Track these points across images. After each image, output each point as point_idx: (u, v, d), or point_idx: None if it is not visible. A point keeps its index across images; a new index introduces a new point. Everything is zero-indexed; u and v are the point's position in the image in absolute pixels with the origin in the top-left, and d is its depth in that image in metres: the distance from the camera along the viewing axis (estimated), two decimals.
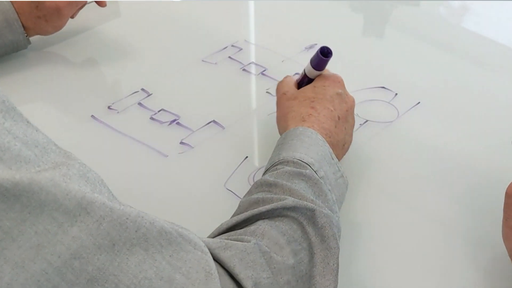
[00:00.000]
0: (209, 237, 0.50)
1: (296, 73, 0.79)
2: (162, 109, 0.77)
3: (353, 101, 0.65)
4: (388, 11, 1.05)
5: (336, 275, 0.47)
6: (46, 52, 0.89)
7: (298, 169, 0.53)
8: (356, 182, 0.65)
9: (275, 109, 0.76)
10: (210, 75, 0.85)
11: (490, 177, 0.67)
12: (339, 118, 0.62)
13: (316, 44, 0.90)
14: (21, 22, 0.81)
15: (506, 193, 0.52)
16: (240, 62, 0.87)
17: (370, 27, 1.00)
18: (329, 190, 0.54)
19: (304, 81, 0.67)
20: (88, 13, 0.94)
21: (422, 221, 0.61)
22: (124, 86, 0.82)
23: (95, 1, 0.89)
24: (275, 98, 0.78)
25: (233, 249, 0.44)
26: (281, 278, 0.45)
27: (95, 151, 0.71)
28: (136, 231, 0.38)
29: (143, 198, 0.64)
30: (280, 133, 0.63)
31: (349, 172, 0.63)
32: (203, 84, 0.83)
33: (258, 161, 0.69)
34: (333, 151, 0.59)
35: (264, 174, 0.57)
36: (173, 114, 0.76)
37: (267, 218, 0.49)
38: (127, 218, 0.38)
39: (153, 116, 0.76)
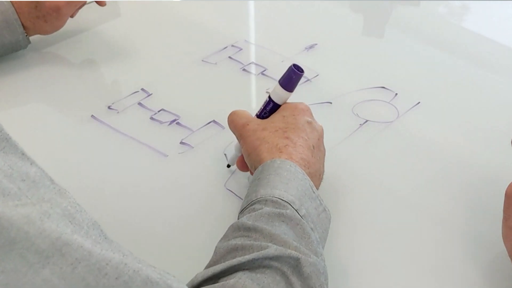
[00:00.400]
0: None
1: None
2: (162, 109, 0.77)
3: (322, 129, 0.61)
4: (388, 11, 1.05)
5: None
6: (46, 52, 0.89)
7: (278, 210, 0.49)
8: (355, 183, 0.65)
9: None
10: (210, 75, 0.85)
11: (490, 177, 0.67)
12: (313, 147, 0.58)
13: (316, 44, 0.91)
14: (21, 22, 0.81)
15: (506, 193, 0.52)
16: (240, 62, 0.87)
17: (370, 27, 1.00)
18: (312, 229, 0.50)
19: (267, 108, 0.61)
20: (88, 13, 0.94)
21: (422, 220, 0.61)
22: (124, 86, 0.82)
23: (95, 1, 0.89)
24: None
25: None
26: None
27: (95, 151, 0.71)
28: (116, 278, 0.34)
29: (143, 198, 0.64)
30: (252, 169, 0.58)
31: (349, 172, 0.63)
32: (203, 84, 0.83)
33: None
34: (313, 181, 0.55)
35: (240, 212, 0.53)
36: (173, 114, 0.76)
37: (247, 270, 0.45)
38: (107, 264, 0.34)
39: (153, 116, 0.76)
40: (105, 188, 0.65)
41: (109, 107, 0.77)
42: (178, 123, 0.74)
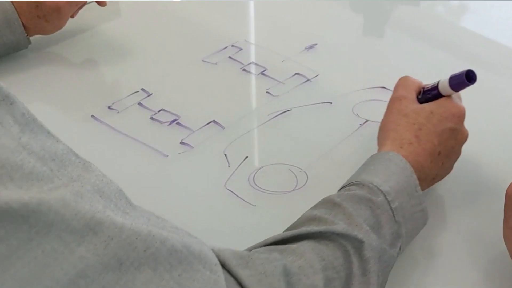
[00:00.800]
0: (253, 247, 0.49)
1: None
2: (162, 109, 0.77)
3: (466, 136, 0.62)
4: (388, 11, 1.05)
5: None
6: (46, 52, 0.89)
7: (369, 196, 0.52)
8: None
9: (275, 109, 0.76)
10: (210, 75, 0.85)
11: (490, 176, 0.67)
12: (439, 153, 0.59)
13: (316, 44, 0.90)
14: (22, 22, 0.81)
15: (506, 194, 0.52)
16: (240, 62, 0.87)
17: (370, 27, 1.00)
18: (398, 222, 0.52)
19: (432, 92, 0.62)
20: (88, 13, 0.94)
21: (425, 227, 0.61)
22: (124, 86, 0.82)
23: (95, 1, 0.89)
24: (275, 98, 0.79)
25: (253, 269, 0.44)
26: None
27: (95, 151, 0.71)
28: (145, 250, 0.38)
29: (143, 198, 0.64)
30: (377, 141, 0.62)
31: (349, 172, 0.63)
32: (203, 84, 0.83)
33: (258, 161, 0.69)
34: (420, 183, 0.56)
35: (339, 190, 0.56)
36: (173, 114, 0.76)
37: (313, 239, 0.49)
38: (136, 238, 0.37)
39: (153, 116, 0.76)
40: None
41: (109, 107, 0.77)
42: (178, 123, 0.74)
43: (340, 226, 0.49)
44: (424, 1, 1.09)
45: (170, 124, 0.74)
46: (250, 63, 0.87)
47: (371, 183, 0.53)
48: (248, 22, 1.03)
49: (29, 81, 0.83)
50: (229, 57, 0.88)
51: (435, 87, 0.62)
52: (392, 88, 0.80)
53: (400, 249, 0.53)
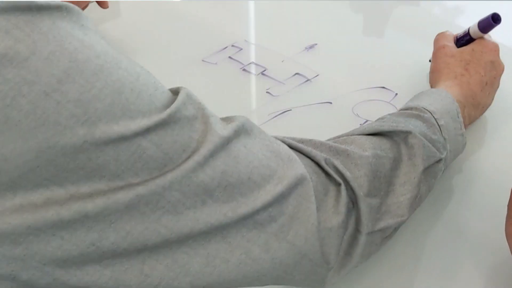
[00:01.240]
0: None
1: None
2: None
3: (503, 68, 0.72)
4: (388, 11, 1.05)
5: (416, 187, 0.52)
6: None
7: (418, 112, 0.58)
8: None
9: (275, 109, 0.76)
10: (210, 75, 0.85)
11: (491, 177, 0.67)
12: (486, 83, 0.69)
13: (316, 44, 0.90)
14: None
15: None
16: (240, 62, 0.87)
17: (370, 27, 1.00)
18: (445, 138, 0.58)
19: (465, 38, 0.73)
20: (88, 13, 0.94)
21: (422, 221, 0.61)
22: None
23: (97, 1, 0.89)
24: (275, 98, 0.79)
25: (308, 143, 0.50)
26: (356, 166, 0.49)
27: None
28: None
29: None
30: (430, 83, 0.72)
31: None
32: (203, 84, 0.83)
33: None
34: (472, 111, 0.67)
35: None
36: None
37: (366, 135, 0.54)
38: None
39: None
40: None
41: None
42: None
43: (387, 125, 0.54)
44: (424, 1, 1.09)
45: None
46: (250, 63, 0.87)
47: (418, 105, 0.60)
48: (248, 22, 1.03)
49: None
50: (229, 57, 0.88)
51: (467, 34, 0.73)
52: (392, 88, 0.80)
53: (444, 162, 0.57)
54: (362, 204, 0.48)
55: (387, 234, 0.51)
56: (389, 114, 0.60)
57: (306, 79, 0.83)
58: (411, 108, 0.60)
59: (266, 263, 0.42)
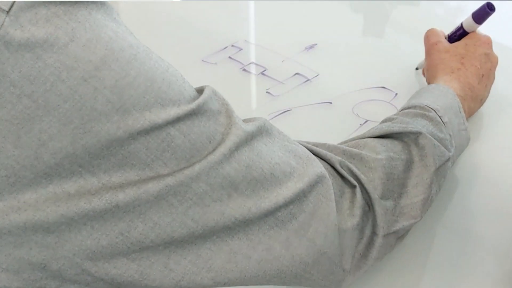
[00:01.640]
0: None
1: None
2: None
3: (497, 60, 0.73)
4: (388, 11, 1.05)
5: (428, 187, 0.52)
6: None
7: (422, 112, 0.58)
8: None
9: (275, 109, 0.76)
10: (210, 75, 0.85)
11: (490, 176, 0.67)
12: (483, 75, 0.69)
13: (316, 44, 0.90)
14: None
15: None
16: (240, 62, 0.87)
17: (370, 27, 1.00)
18: (450, 135, 0.58)
19: (457, 33, 0.74)
20: None
21: (427, 223, 0.61)
22: None
23: None
24: (275, 98, 0.79)
25: (322, 146, 0.50)
26: (370, 169, 0.49)
27: None
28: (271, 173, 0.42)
29: None
30: (427, 80, 0.72)
31: None
32: (203, 84, 0.82)
33: None
34: (472, 103, 0.68)
35: None
36: None
37: (377, 138, 0.54)
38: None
39: None
40: None
41: None
42: None
43: (396, 126, 0.54)
44: (424, 1, 1.09)
45: None
46: (250, 63, 0.87)
47: (422, 103, 0.60)
48: (248, 22, 1.03)
49: None
50: (229, 57, 0.88)
51: (460, 28, 0.74)
52: (392, 88, 0.80)
53: (452, 160, 0.57)
54: (377, 207, 0.48)
55: (401, 235, 0.52)
56: (395, 114, 0.60)
57: (306, 79, 0.83)
58: (414, 107, 0.60)
59: (286, 260, 0.42)
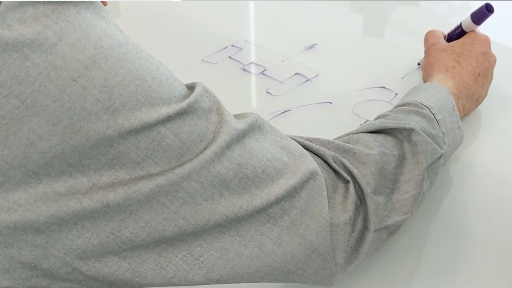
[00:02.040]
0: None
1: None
2: None
3: (495, 60, 0.73)
4: (388, 11, 1.05)
5: (420, 184, 0.52)
6: None
7: (416, 108, 0.59)
8: None
9: (275, 109, 0.76)
10: (210, 75, 0.85)
11: (490, 176, 0.67)
12: (479, 74, 0.69)
13: (316, 44, 0.90)
14: None
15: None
16: (240, 62, 0.87)
17: (370, 27, 1.00)
18: (443, 133, 0.59)
19: (456, 32, 0.75)
20: None
21: (419, 215, 0.61)
22: None
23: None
24: (275, 98, 0.79)
25: (316, 141, 0.50)
26: (362, 164, 0.49)
27: None
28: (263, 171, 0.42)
29: None
30: (423, 78, 0.73)
31: None
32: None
33: None
34: (467, 103, 0.68)
35: None
36: None
37: (370, 133, 0.54)
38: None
39: None
40: None
41: None
42: None
43: (390, 122, 0.55)
44: (424, 1, 1.09)
45: None
46: (250, 63, 0.87)
47: (416, 100, 0.60)
48: (248, 22, 1.03)
49: None
50: (229, 57, 0.88)
51: (459, 27, 0.74)
52: (392, 88, 0.80)
53: (444, 157, 0.57)
54: (369, 202, 0.48)
55: (392, 230, 0.52)
56: (389, 111, 0.60)
57: (306, 79, 0.83)
58: (408, 104, 0.60)
59: (278, 256, 0.43)
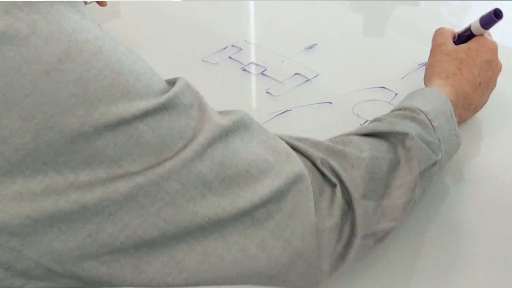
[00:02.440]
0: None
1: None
2: None
3: (501, 67, 0.71)
4: (388, 11, 1.05)
5: (412, 190, 0.51)
6: None
7: (412, 114, 0.57)
8: None
9: (275, 109, 0.76)
10: (210, 75, 0.85)
11: (490, 176, 0.67)
12: (479, 83, 0.67)
13: (316, 44, 0.90)
14: None
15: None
16: (240, 62, 0.87)
17: (370, 27, 1.00)
18: (439, 139, 0.57)
19: (465, 34, 0.72)
20: (88, 13, 0.94)
21: (418, 221, 0.61)
22: None
23: (96, 1, 0.89)
24: (275, 98, 0.79)
25: (306, 142, 0.49)
26: (352, 167, 0.48)
27: None
28: (246, 171, 0.41)
29: None
30: (424, 78, 0.71)
31: None
32: (203, 84, 0.82)
33: None
34: (463, 112, 0.66)
35: None
36: None
37: (363, 136, 0.53)
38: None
39: None
40: None
41: None
42: None
43: (384, 125, 0.54)
44: (424, 1, 1.09)
45: None
46: (250, 63, 0.87)
47: (412, 106, 0.59)
48: (248, 22, 1.03)
49: None
50: (229, 57, 0.88)
51: (468, 29, 0.72)
52: (392, 88, 0.80)
53: (439, 165, 0.57)
54: (357, 207, 0.47)
55: (380, 237, 0.51)
56: (384, 115, 0.59)
57: (306, 79, 0.83)
58: (405, 108, 0.59)
59: (261, 261, 0.41)
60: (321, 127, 0.74)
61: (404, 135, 0.53)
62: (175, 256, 0.38)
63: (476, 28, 0.71)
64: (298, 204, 0.43)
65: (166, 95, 0.37)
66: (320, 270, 0.45)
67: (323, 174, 0.47)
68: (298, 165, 0.44)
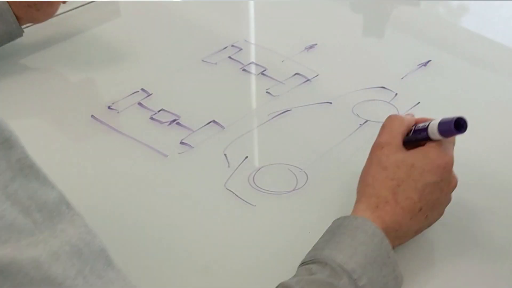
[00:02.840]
0: None
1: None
2: (162, 109, 0.77)
3: (454, 185, 0.58)
4: (388, 11, 1.05)
5: None
6: (46, 51, 0.89)
7: (331, 279, 0.49)
8: (356, 183, 0.65)
9: (275, 109, 0.76)
10: (210, 75, 0.85)
11: (490, 176, 0.67)
12: (420, 209, 0.55)
13: (316, 44, 0.90)
14: (13, 12, 0.81)
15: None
16: (240, 62, 0.87)
17: (370, 27, 1.00)
18: None
19: (421, 134, 0.57)
20: (88, 13, 0.94)
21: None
22: (124, 86, 0.82)
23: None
24: (275, 98, 0.79)
25: None
26: None
27: (95, 151, 0.71)
28: None
29: (143, 198, 0.64)
30: (356, 192, 0.58)
31: (349, 172, 0.63)
32: (203, 84, 0.83)
33: (258, 161, 0.69)
34: (396, 241, 0.55)
35: (301, 264, 0.52)
36: (173, 114, 0.76)
37: None
38: None
39: (153, 116, 0.76)
40: (105, 188, 0.65)
41: (109, 107, 0.77)
42: (178, 123, 0.74)
43: None
44: (424, 1, 1.09)
45: (170, 124, 0.74)
46: (250, 63, 0.87)
47: (335, 261, 0.50)
48: (248, 22, 1.03)
49: (28, 81, 0.83)
50: (229, 57, 0.88)
51: (425, 129, 0.56)
52: (392, 88, 0.80)
53: None
54: None
55: None
56: (296, 280, 0.50)
57: (306, 79, 0.83)
58: (325, 264, 0.50)
59: None
60: (321, 127, 0.74)
61: None
62: None
63: (433, 132, 0.55)
64: None
65: None
66: None
67: None
68: None
